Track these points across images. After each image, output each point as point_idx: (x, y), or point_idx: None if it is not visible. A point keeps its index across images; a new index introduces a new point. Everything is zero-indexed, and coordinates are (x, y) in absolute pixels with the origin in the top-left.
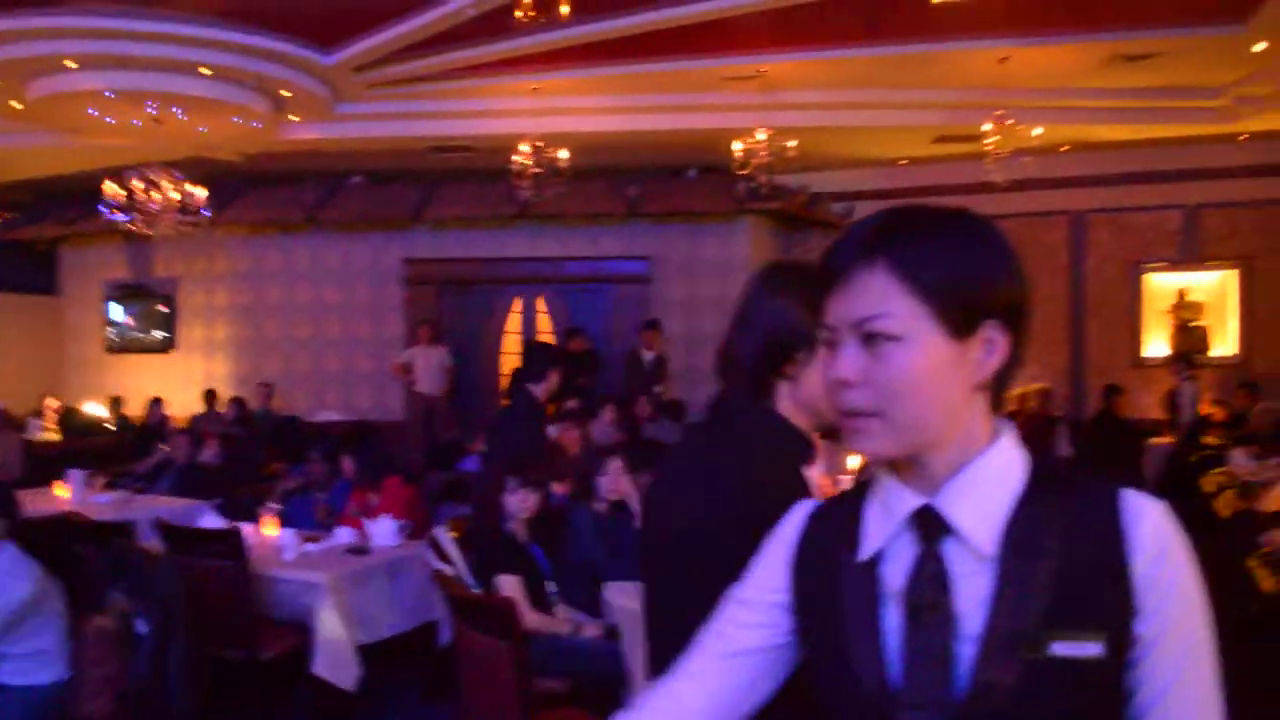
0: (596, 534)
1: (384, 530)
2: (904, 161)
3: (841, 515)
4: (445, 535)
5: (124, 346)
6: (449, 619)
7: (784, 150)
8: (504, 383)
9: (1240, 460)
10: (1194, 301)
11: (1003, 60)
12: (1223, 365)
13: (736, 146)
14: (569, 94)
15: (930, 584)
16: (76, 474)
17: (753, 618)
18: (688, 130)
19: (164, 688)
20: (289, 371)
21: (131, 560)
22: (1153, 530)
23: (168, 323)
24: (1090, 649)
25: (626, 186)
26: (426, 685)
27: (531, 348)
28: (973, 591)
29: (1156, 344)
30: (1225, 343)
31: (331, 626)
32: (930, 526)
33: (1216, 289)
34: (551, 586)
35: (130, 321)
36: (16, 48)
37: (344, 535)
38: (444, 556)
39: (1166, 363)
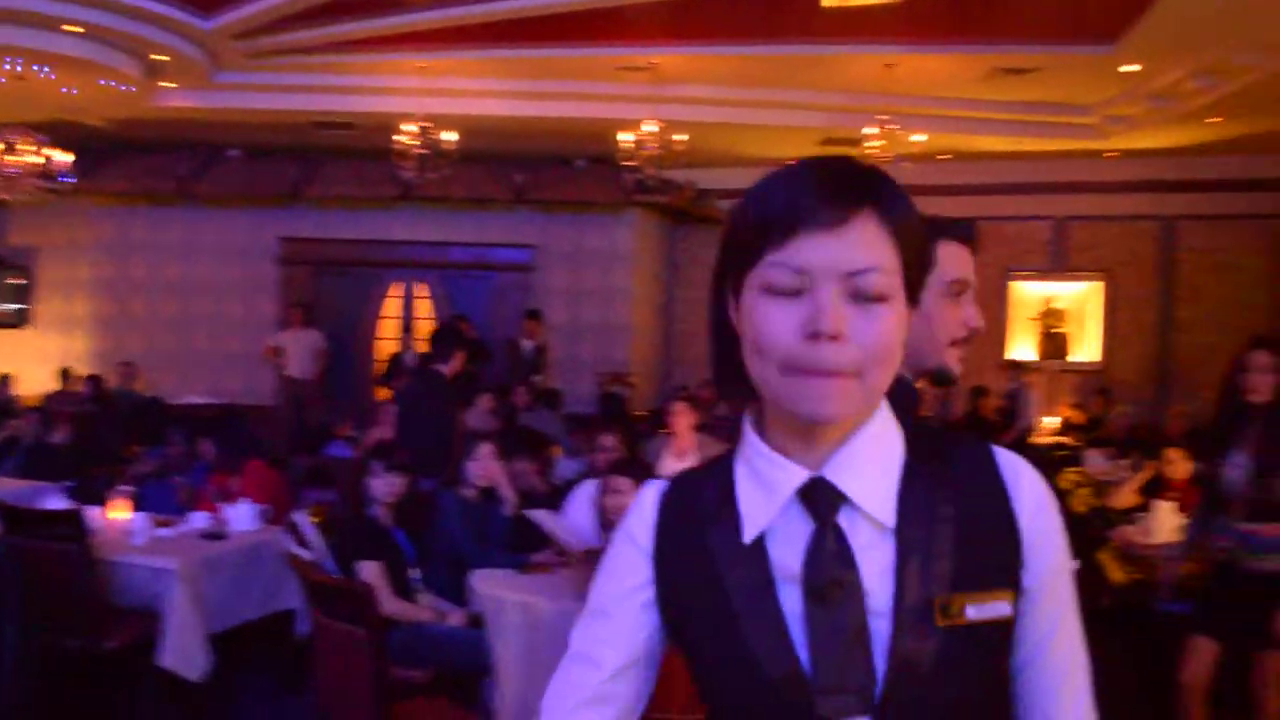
0: (464, 520)
1: (241, 515)
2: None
3: (704, 494)
4: (305, 520)
5: None
6: (307, 606)
7: (672, 144)
8: (380, 368)
9: (1095, 460)
10: (1058, 309)
11: (889, 66)
12: (1083, 371)
13: (624, 138)
14: (457, 75)
15: (833, 561)
16: None
17: (618, 628)
18: (577, 119)
19: None
20: (154, 351)
21: None
22: (1030, 484)
23: (22, 295)
24: (1001, 608)
25: (513, 173)
26: (283, 675)
27: (442, 329)
28: (875, 565)
29: (1022, 349)
30: (1086, 350)
31: (181, 614)
32: (823, 501)
33: (1080, 299)
34: (415, 573)
35: None
36: None
37: (199, 520)
38: (303, 542)
39: (1031, 367)
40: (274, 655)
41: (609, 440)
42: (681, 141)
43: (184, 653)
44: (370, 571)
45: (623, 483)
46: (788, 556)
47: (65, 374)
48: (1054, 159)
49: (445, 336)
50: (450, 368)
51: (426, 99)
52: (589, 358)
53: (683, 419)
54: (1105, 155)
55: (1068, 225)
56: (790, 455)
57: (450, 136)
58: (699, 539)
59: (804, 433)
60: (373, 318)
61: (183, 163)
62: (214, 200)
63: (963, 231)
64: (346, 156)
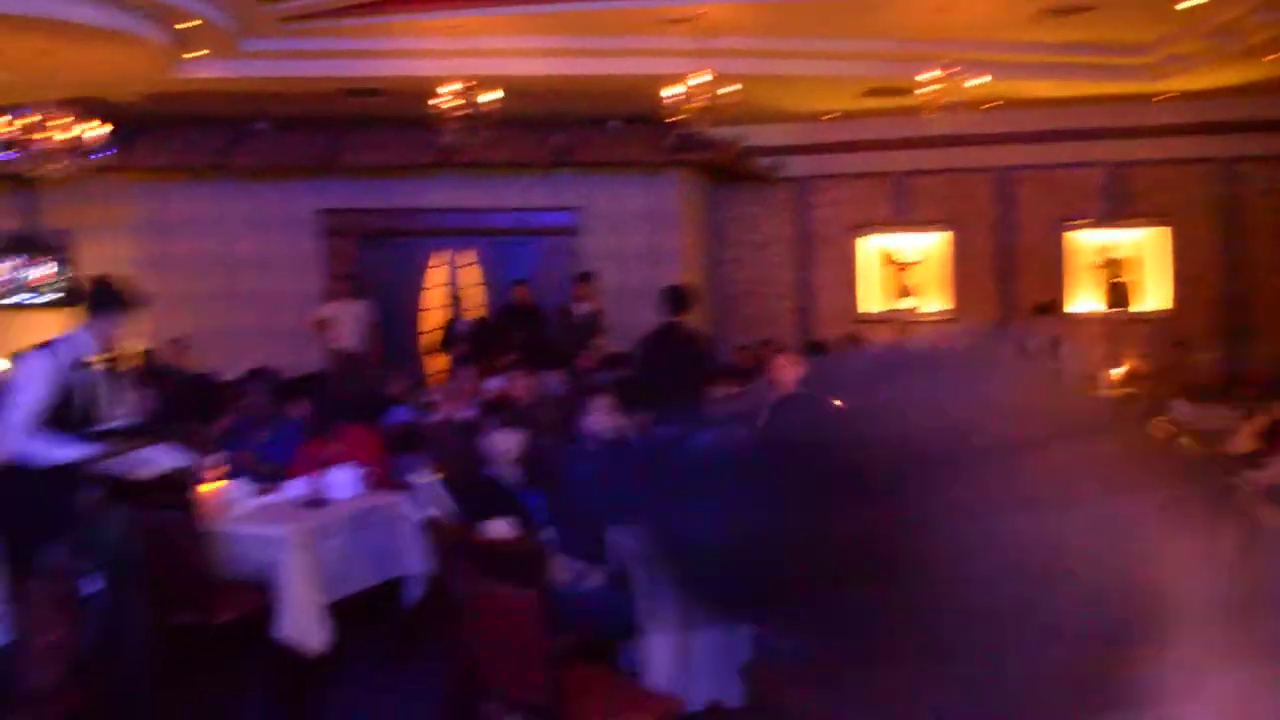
0: (592, 476)
1: (343, 480)
2: (833, 115)
3: None
4: (428, 480)
5: (13, 303)
6: (422, 572)
7: (720, 97)
8: (427, 339)
9: (1182, 409)
10: (1118, 258)
11: (940, 10)
12: (1150, 320)
13: (669, 92)
14: (492, 34)
15: None
16: None
17: None
18: (617, 76)
19: (118, 655)
20: (199, 327)
21: (75, 512)
22: None
23: (64, 276)
24: None
25: (552, 135)
26: (392, 645)
27: (674, 287)
28: None
29: (1084, 300)
30: (1149, 299)
31: (297, 584)
32: None
33: (1141, 246)
34: (547, 534)
35: (20, 275)
36: None
37: (297, 486)
38: (425, 504)
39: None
40: (382, 624)
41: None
42: (731, 94)
43: (302, 624)
44: (500, 530)
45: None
46: None
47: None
48: (1107, 103)
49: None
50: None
51: (460, 60)
52: (640, 321)
53: (789, 371)
54: (1157, 98)
55: (1124, 171)
56: None
57: (493, 96)
58: None
59: None
60: (417, 287)
61: (215, 136)
62: (248, 173)
63: None
64: (377, 124)
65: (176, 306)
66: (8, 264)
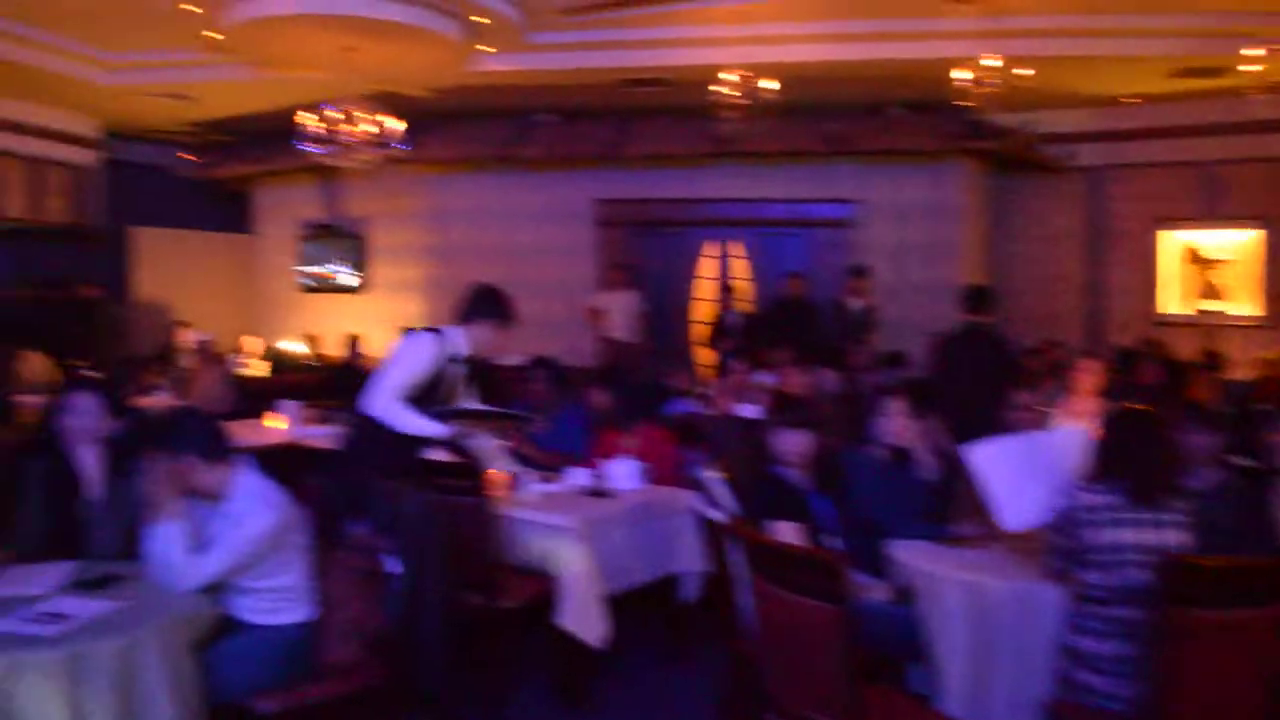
0: (876, 484)
1: (625, 472)
2: (1134, 99)
3: None
4: (715, 478)
5: (316, 286)
6: (700, 570)
7: (1011, 80)
8: (702, 329)
9: None
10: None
11: None
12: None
13: (956, 76)
14: (776, 20)
15: None
16: (290, 405)
17: None
18: (900, 60)
19: (415, 635)
20: None
21: (373, 493)
22: None
23: (359, 262)
24: None
25: (828, 123)
26: (668, 643)
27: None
28: None
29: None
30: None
31: (580, 575)
32: None
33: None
34: (834, 542)
35: (322, 260)
36: None
37: (579, 476)
38: (713, 501)
39: None
40: (655, 621)
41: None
42: (1026, 76)
43: (584, 615)
44: (789, 534)
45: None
46: None
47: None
48: None
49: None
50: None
51: (743, 48)
52: (917, 319)
53: (1090, 378)
54: None
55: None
56: None
57: (771, 86)
58: None
59: None
60: (688, 278)
61: (500, 129)
62: (531, 165)
63: None
64: (658, 114)
65: (456, 293)
66: (312, 250)
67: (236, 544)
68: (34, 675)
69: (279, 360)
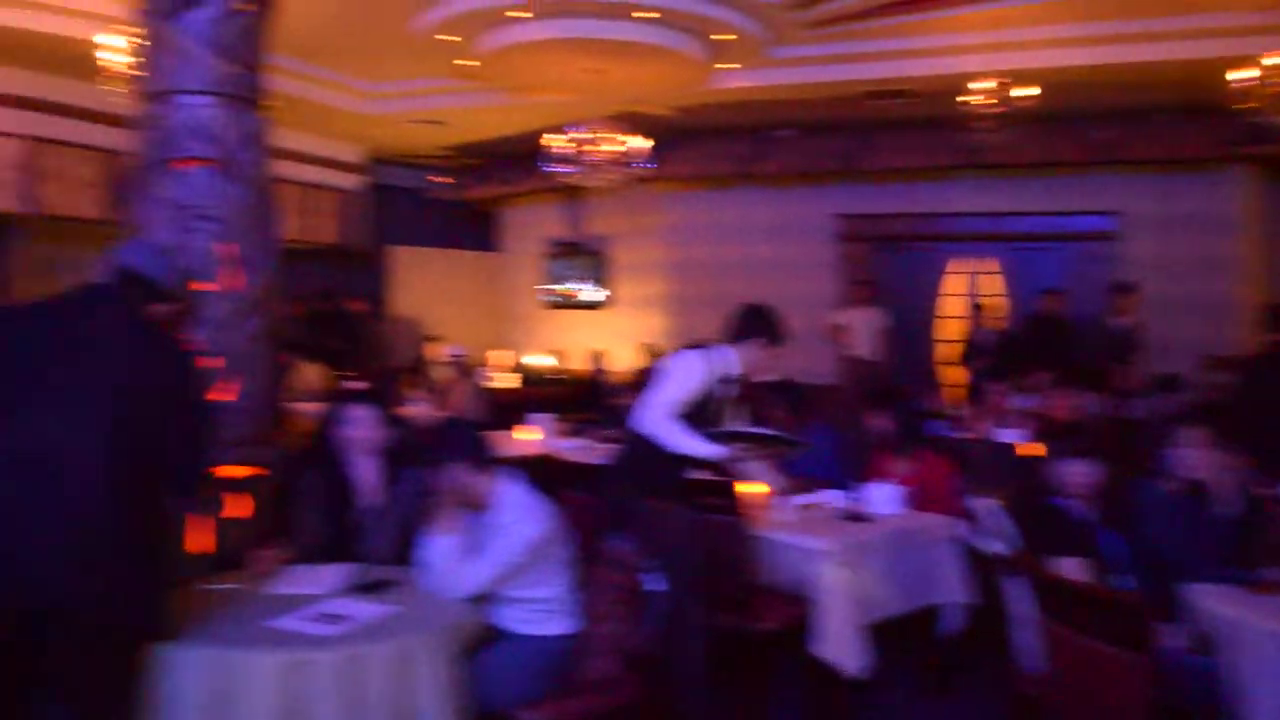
0: (1170, 519)
1: (885, 496)
2: None
3: None
4: (990, 506)
5: (561, 302)
6: (964, 602)
7: None
8: (943, 350)
9: None
10: None
11: None
12: None
13: (1238, 76)
14: (1031, 24)
15: None
16: (543, 418)
17: None
18: (1172, 61)
19: (676, 654)
20: (718, 329)
21: (638, 510)
22: None
23: (602, 279)
24: None
25: (1090, 130)
26: (925, 677)
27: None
28: None
29: None
30: None
31: (838, 602)
32: None
33: None
34: (1123, 581)
35: (567, 277)
36: None
37: (833, 497)
38: (985, 532)
39: None
40: (917, 653)
41: None
42: None
43: (842, 643)
44: (1072, 570)
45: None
46: None
47: (648, 349)
48: None
49: None
50: None
51: (995, 54)
52: (1186, 338)
53: None
54: None
55: None
56: None
57: (1029, 93)
58: None
59: None
60: (933, 294)
61: (740, 145)
62: (770, 180)
63: None
64: (900, 126)
65: (698, 308)
66: (557, 267)
67: (503, 554)
68: (315, 672)
69: (527, 374)
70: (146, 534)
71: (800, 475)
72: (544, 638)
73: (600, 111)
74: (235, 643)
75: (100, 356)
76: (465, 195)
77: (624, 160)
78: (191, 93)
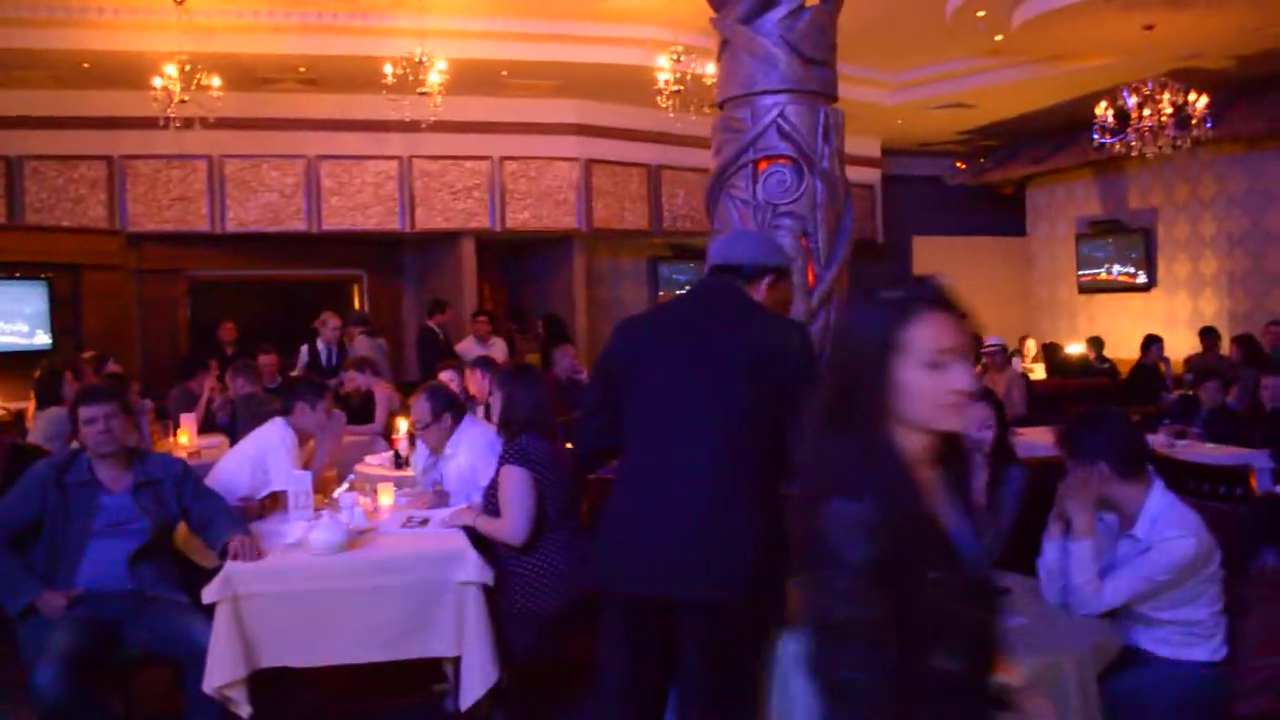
0: None
1: None
2: None
3: None
4: None
5: (1096, 285)
6: None
7: None
8: None
9: None
10: None
11: None
12: None
13: None
14: None
15: None
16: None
17: None
18: None
19: None
20: None
21: None
22: None
23: (1144, 258)
24: None
25: None
26: None
27: None
28: None
29: None
30: None
31: None
32: None
33: None
34: None
35: (1102, 259)
36: None
37: None
38: None
39: None
40: None
41: None
42: None
43: None
44: None
45: None
46: None
47: (1208, 334)
48: None
49: None
50: None
51: None
52: None
53: None
54: None
55: None
56: None
57: None
58: None
59: None
60: None
61: None
62: None
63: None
64: None
65: (1265, 287)
66: (1090, 248)
67: (1146, 571)
68: None
69: (1056, 363)
70: (774, 521)
71: None
72: (1189, 663)
73: (1145, 72)
74: None
75: (725, 344)
76: (984, 179)
77: (1180, 123)
78: (771, 93)
